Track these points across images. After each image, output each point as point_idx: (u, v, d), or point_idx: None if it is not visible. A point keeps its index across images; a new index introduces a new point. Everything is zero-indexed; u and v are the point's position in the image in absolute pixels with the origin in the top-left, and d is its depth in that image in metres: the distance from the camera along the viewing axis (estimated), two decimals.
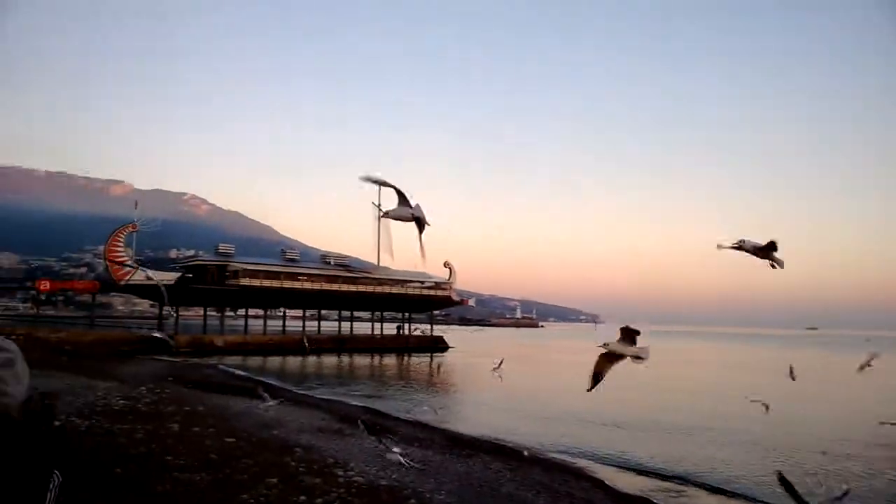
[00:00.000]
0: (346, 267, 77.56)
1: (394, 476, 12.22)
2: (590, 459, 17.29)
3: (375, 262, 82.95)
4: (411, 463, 11.85)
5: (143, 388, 21.88)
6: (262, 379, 36.51)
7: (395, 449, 11.88)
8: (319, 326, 77.74)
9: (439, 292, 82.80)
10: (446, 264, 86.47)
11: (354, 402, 27.89)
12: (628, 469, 16.77)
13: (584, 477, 14.95)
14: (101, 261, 69.70)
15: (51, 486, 1.77)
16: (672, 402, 30.59)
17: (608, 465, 16.86)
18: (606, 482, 15.10)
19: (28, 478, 1.58)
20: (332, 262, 76.71)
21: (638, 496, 14.40)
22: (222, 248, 71.17)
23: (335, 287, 71.92)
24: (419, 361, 59.46)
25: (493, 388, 35.08)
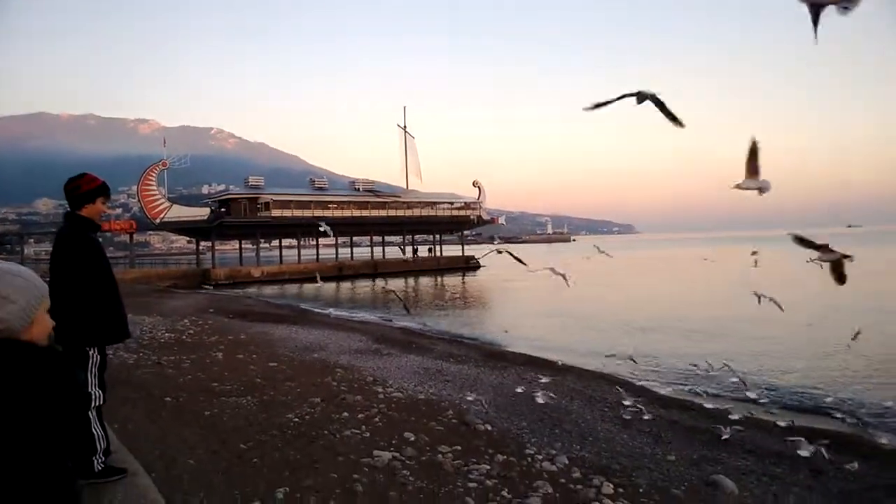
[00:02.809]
0: (374, 192, 77.84)
1: (431, 391, 12.67)
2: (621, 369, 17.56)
3: (404, 186, 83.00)
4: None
5: (186, 320, 22.68)
6: (300, 305, 37.59)
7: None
8: (352, 253, 78.81)
9: (469, 212, 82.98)
10: (475, 183, 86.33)
11: (391, 323, 28.58)
12: (661, 374, 17.11)
13: (616, 382, 15.26)
14: (136, 200, 70.90)
15: (92, 405, 1.84)
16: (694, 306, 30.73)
17: (637, 372, 17.14)
18: (638, 385, 15.46)
19: (55, 401, 1.63)
20: (360, 189, 76.98)
21: (674, 398, 14.74)
22: (252, 180, 71.62)
23: (365, 213, 72.46)
24: (452, 281, 60.20)
25: (525, 303, 35.54)
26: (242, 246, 76.80)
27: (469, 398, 12.09)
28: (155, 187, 64.72)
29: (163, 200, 64.89)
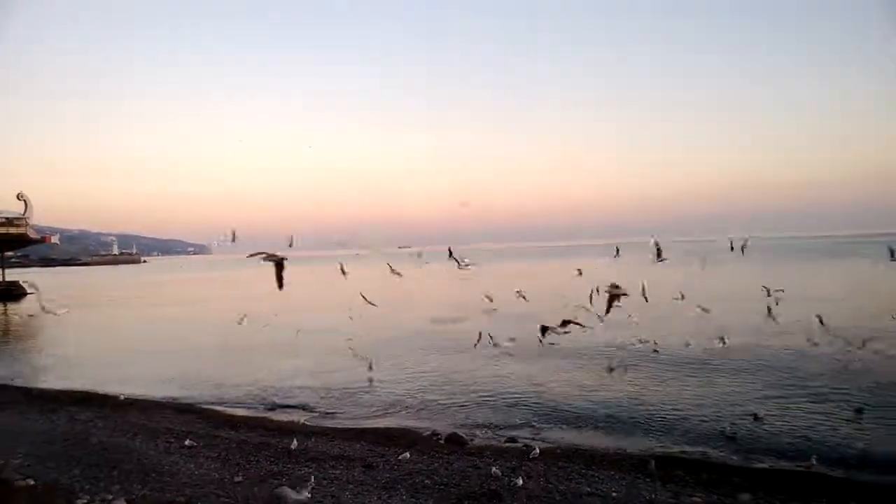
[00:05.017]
0: None
1: None
2: (196, 400, 16.98)
3: None
4: None
5: None
6: None
7: None
8: None
9: (11, 229, 70.20)
10: (20, 196, 73.51)
11: None
12: (231, 395, 17.09)
13: (185, 410, 14.72)
14: None
15: None
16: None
17: (211, 403, 16.78)
18: (207, 409, 15.17)
19: None
20: None
21: (243, 416, 14.85)
22: None
23: None
24: None
25: (86, 336, 31.73)
26: None
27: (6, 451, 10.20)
28: None
29: None
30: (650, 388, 16.50)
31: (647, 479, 9.94)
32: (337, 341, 24.62)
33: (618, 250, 18.81)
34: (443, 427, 13.83)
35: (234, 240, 12.90)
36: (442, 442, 12.68)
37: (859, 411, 13.78)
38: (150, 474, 9.36)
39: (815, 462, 10.69)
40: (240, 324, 16.96)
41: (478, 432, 13.55)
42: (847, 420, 13.26)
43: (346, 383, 18.20)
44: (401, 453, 11.11)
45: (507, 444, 12.58)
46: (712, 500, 8.94)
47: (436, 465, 10.57)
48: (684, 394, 15.78)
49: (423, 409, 15.54)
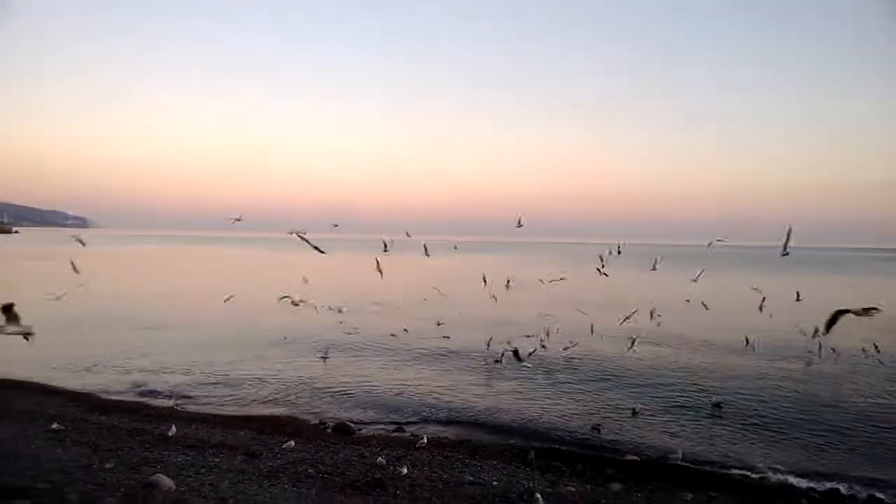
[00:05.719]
0: None
1: None
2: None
3: None
4: None
5: None
6: None
7: None
8: None
9: None
10: None
11: None
12: (100, 386, 16.06)
13: (53, 392, 13.76)
14: None
15: None
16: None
17: (82, 386, 15.77)
18: (81, 393, 14.26)
19: None
20: None
21: (117, 401, 14.11)
22: None
23: None
24: None
25: None
26: None
27: None
28: None
29: None
30: (537, 383, 17.07)
31: (527, 469, 10.32)
32: (217, 330, 23.95)
33: (658, 260, 19.04)
34: (331, 416, 13.74)
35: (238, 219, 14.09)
36: (329, 431, 12.61)
37: (718, 406, 14.99)
38: (10, 458, 8.70)
39: (680, 455, 11.50)
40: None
41: (366, 422, 13.55)
42: (708, 414, 14.36)
43: (232, 371, 17.69)
44: (285, 442, 10.93)
45: (395, 434, 12.68)
46: (585, 490, 9.39)
47: (321, 453, 10.47)
48: (566, 390, 16.46)
49: (312, 398, 15.36)
